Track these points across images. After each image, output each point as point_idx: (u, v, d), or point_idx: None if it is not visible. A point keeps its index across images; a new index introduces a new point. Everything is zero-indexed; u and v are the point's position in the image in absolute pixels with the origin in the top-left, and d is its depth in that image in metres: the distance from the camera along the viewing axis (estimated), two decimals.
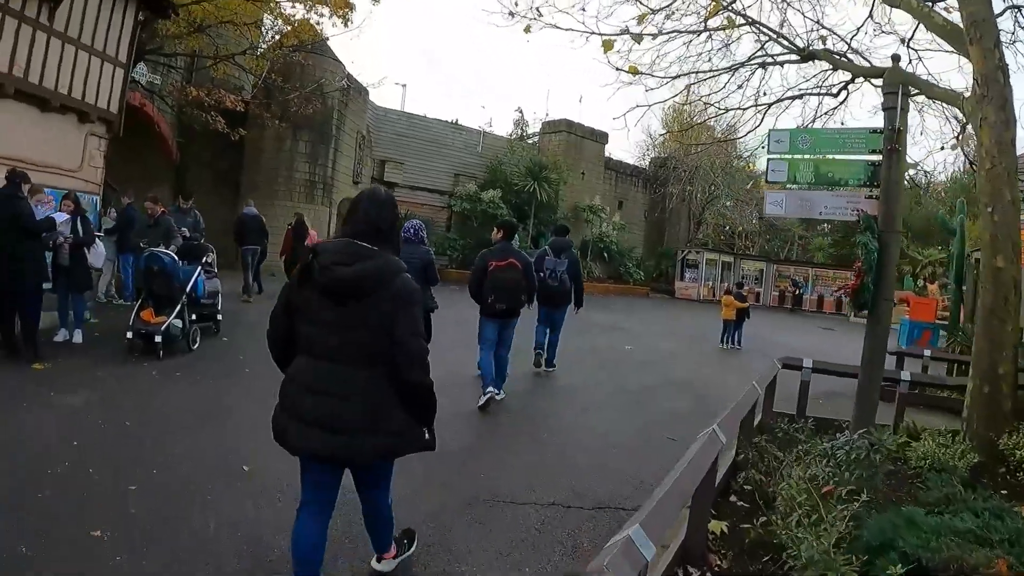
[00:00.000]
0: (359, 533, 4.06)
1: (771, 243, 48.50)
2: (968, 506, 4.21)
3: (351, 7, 18.17)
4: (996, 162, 6.18)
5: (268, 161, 23.18)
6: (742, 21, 9.97)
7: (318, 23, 18.84)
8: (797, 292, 37.17)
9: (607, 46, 9.67)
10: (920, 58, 10.57)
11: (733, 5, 9.96)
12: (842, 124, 10.73)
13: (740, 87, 11.05)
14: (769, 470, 5.47)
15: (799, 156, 7.15)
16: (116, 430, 6.07)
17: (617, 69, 10.28)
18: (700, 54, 10.97)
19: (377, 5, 18.56)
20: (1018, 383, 6.35)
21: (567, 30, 10.19)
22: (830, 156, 7.17)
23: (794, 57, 9.93)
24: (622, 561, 2.11)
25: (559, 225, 11.81)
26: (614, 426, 7.98)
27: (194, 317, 9.94)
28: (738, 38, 10.98)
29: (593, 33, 10.07)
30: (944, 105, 10.05)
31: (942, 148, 12.22)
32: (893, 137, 6.32)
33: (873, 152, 6.65)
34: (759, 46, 10.43)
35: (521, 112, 36.59)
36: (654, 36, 10.28)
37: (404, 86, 42.08)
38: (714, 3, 9.83)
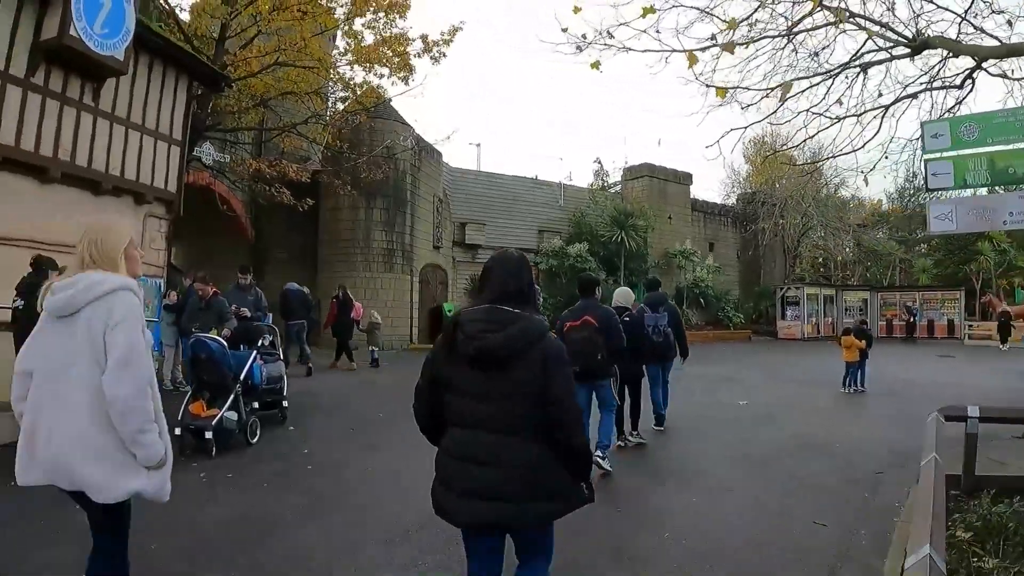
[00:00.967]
0: None
1: (870, 270, 46.13)
2: None
3: (411, 69, 17.36)
4: None
5: (344, 232, 22.45)
6: (836, 18, 8.61)
7: (379, 86, 18.12)
8: (912, 320, 34.64)
9: (691, 59, 8.38)
10: None
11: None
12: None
13: (839, 100, 9.61)
14: None
15: (966, 151, 5.54)
16: (135, 557, 4.90)
17: (707, 85, 9.00)
18: (790, 66, 9.60)
19: (437, 65, 17.57)
20: None
21: (643, 51, 9.00)
22: (1010, 147, 5.55)
23: (902, 50, 8.54)
24: None
25: (650, 280, 11.21)
26: (744, 510, 6.32)
27: (256, 406, 8.90)
28: (830, 42, 9.57)
29: (674, 51, 8.85)
30: None
31: None
32: None
33: None
34: (859, 47, 9.07)
35: (600, 162, 35.66)
36: (746, 44, 8.99)
37: (478, 145, 42.01)
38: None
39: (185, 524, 5.69)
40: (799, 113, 9.61)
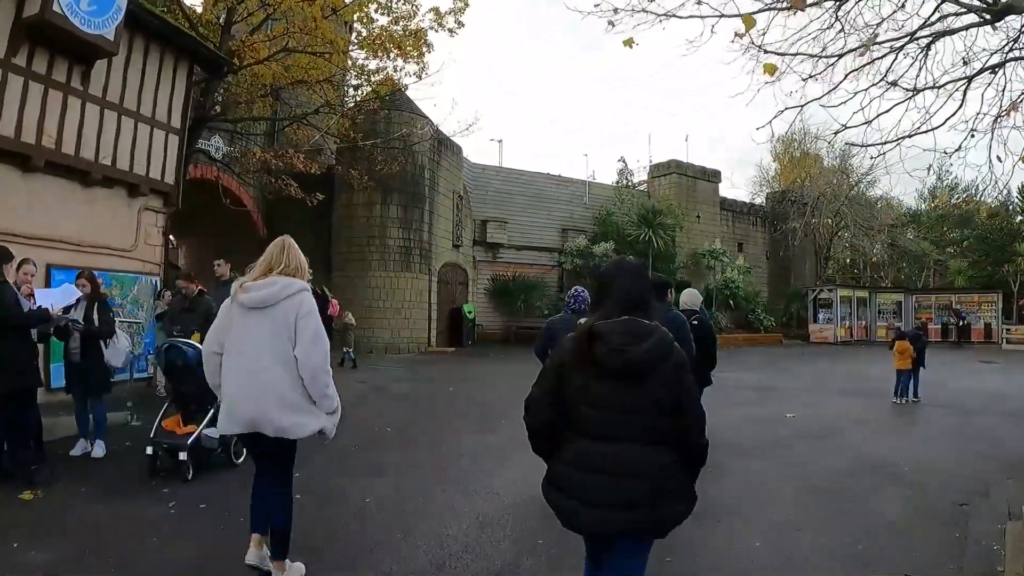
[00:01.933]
0: None
1: (904, 272, 44.81)
2: None
3: (428, 45, 16.36)
4: None
5: (359, 229, 21.54)
6: None
7: (393, 73, 17.13)
8: (960, 323, 33.00)
9: (748, 22, 7.33)
10: None
11: None
12: None
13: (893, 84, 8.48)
14: None
15: None
16: None
17: (765, 51, 7.92)
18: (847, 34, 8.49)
19: (455, 37, 16.63)
20: None
21: (687, 17, 7.98)
22: None
23: (974, 19, 7.46)
24: None
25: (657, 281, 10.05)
26: (822, 556, 5.26)
27: None
28: (896, 8, 8.46)
29: (723, 16, 7.82)
30: None
31: None
32: None
33: None
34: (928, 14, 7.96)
35: (624, 161, 34.51)
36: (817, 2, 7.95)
37: (500, 142, 40.91)
38: None
39: (143, 562, 4.85)
40: (855, 93, 8.50)
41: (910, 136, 7.75)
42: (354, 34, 17.23)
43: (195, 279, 8.76)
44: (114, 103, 11.20)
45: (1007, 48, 7.72)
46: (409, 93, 20.21)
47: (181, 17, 14.11)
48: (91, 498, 6.21)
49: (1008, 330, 32.98)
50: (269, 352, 4.23)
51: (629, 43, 7.78)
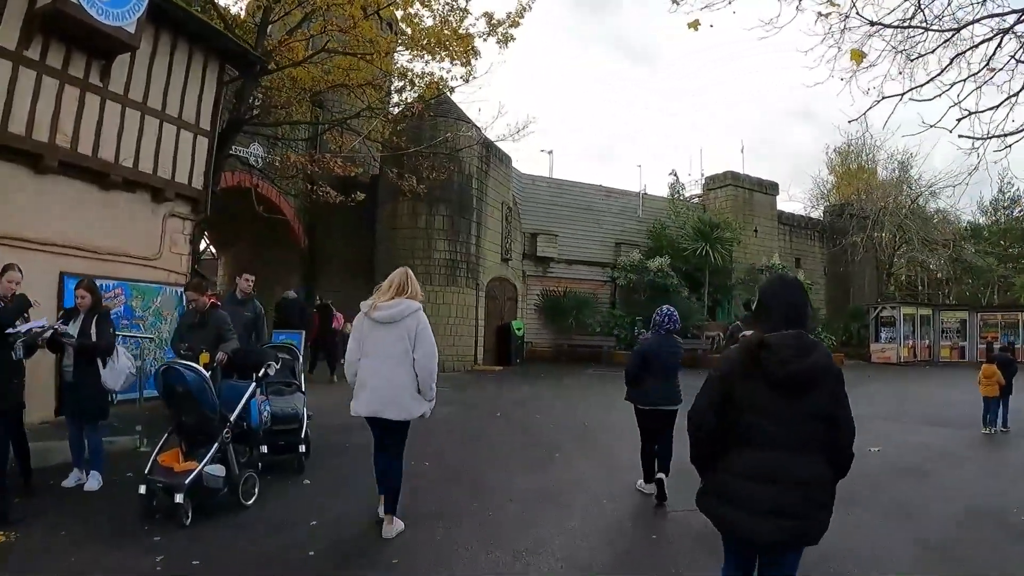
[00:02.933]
0: None
1: (966, 288, 42.77)
2: None
3: (475, 52, 15.43)
4: None
5: (402, 241, 20.48)
6: None
7: (440, 77, 16.23)
8: None
9: None
10: None
11: None
12: None
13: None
14: None
15: None
16: None
17: (858, 15, 6.83)
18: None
19: (505, 50, 15.73)
20: None
21: None
22: None
23: None
24: None
25: (747, 301, 9.77)
26: None
27: (263, 450, 7.02)
28: None
29: None
30: None
31: None
32: None
33: None
34: None
35: (675, 174, 33.33)
36: None
37: (551, 153, 39.78)
38: None
39: None
40: (953, 85, 7.30)
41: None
42: (399, 36, 16.27)
43: (208, 290, 7.78)
44: (137, 101, 10.46)
45: None
46: (455, 98, 19.32)
47: (216, 18, 13.37)
48: (72, 542, 5.27)
49: None
50: (396, 357, 5.62)
51: (694, 25, 6.92)
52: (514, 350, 23.59)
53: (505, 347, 23.42)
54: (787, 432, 3.15)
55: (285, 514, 6.16)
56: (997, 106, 6.75)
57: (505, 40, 15.32)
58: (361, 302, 5.93)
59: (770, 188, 33.26)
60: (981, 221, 46.96)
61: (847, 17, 6.69)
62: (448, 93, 17.75)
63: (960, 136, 6.78)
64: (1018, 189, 47.16)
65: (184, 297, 10.67)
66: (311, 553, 5.25)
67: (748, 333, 3.72)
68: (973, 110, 6.95)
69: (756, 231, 31.79)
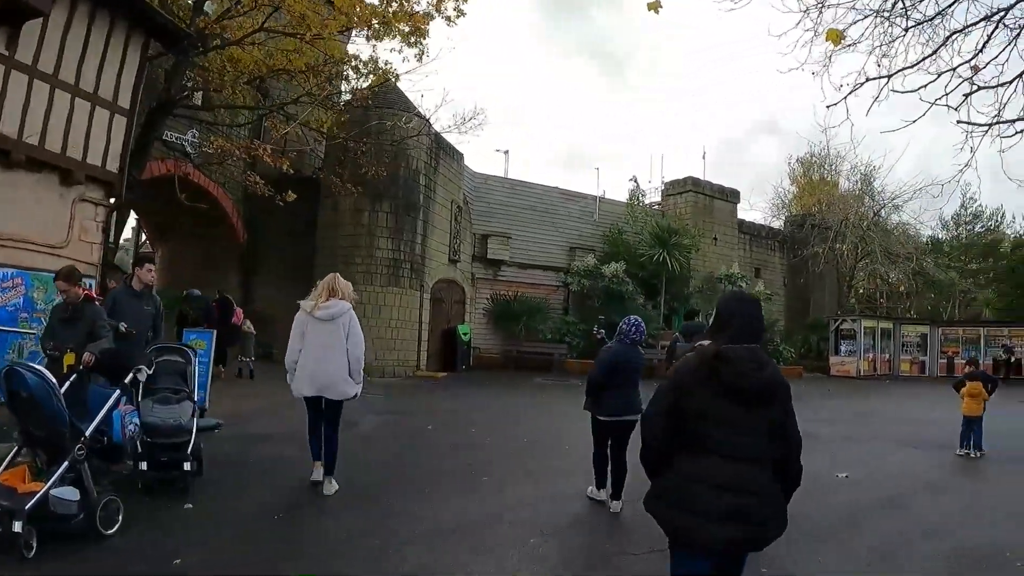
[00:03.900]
0: None
1: (928, 302, 43.02)
2: None
3: (423, 33, 14.59)
4: None
5: (344, 238, 19.52)
6: None
7: (388, 63, 15.39)
8: (1011, 359, 30.68)
9: None
10: None
11: None
12: None
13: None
14: None
15: None
16: None
17: None
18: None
19: (453, 26, 14.85)
20: None
21: None
22: None
23: None
24: None
25: (689, 310, 10.85)
26: None
27: (143, 467, 6.13)
28: None
29: None
30: None
31: None
32: None
33: None
34: None
35: (636, 180, 32.89)
36: None
37: (507, 152, 38.59)
38: None
39: None
40: (940, 74, 6.68)
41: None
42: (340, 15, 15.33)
43: (79, 281, 6.80)
44: (47, 73, 9.56)
45: None
46: (404, 87, 18.43)
47: None
48: None
49: None
50: (335, 347, 6.85)
51: (655, 7, 6.44)
52: (460, 356, 22.75)
53: (450, 352, 22.56)
54: (742, 442, 3.23)
55: (146, 551, 5.17)
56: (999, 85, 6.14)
57: (456, 15, 14.57)
58: (301, 301, 7.13)
59: (731, 196, 32.95)
60: (942, 236, 47.51)
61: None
62: (394, 80, 16.87)
63: (959, 122, 6.14)
64: (980, 204, 48.21)
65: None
66: None
67: (705, 343, 3.69)
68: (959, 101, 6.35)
69: (716, 239, 31.41)
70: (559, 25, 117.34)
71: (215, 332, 11.69)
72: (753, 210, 48.64)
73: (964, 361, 20.94)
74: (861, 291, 42.65)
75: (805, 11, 6.31)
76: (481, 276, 25.75)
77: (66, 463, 4.97)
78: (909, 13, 6.21)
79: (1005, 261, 44.17)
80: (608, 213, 29.98)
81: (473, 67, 55.10)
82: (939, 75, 6.34)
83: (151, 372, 6.37)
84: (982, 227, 48.47)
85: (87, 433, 5.23)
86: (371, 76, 15.66)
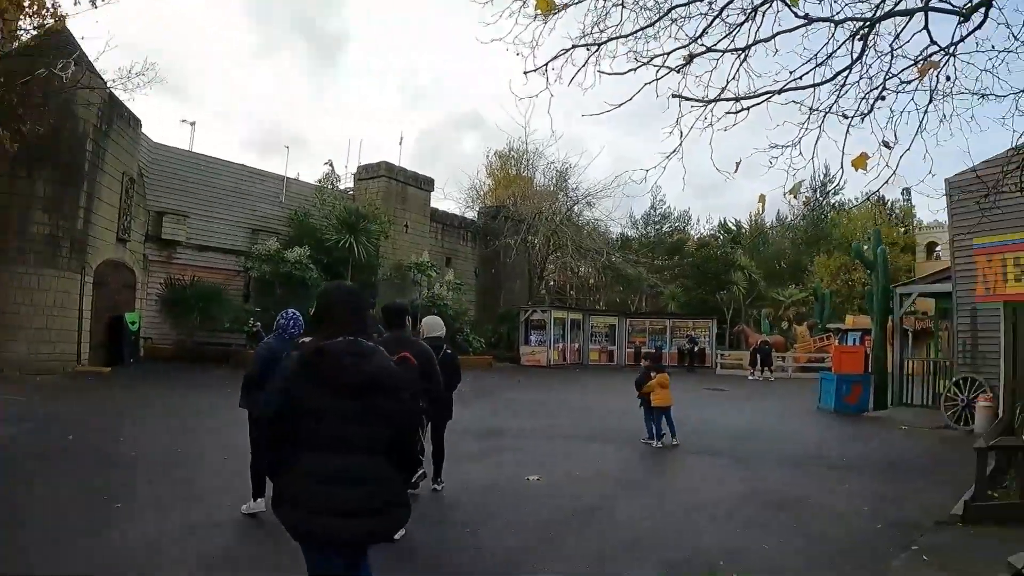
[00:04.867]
0: None
1: (616, 295, 46.25)
2: None
3: None
4: None
5: None
6: None
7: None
8: (695, 348, 33.70)
9: None
10: None
11: None
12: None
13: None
14: None
15: None
16: None
17: None
18: None
19: None
20: None
21: None
22: None
23: None
24: None
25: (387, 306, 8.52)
26: None
27: None
28: None
29: None
30: None
31: None
32: None
33: None
34: None
35: (331, 164, 31.51)
36: None
37: (193, 124, 34.72)
38: None
39: None
40: (653, 57, 6.07)
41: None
42: None
43: None
44: None
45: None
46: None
47: None
48: None
49: (722, 355, 34.70)
50: None
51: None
52: (127, 348, 20.04)
53: (118, 343, 19.75)
54: (350, 434, 3.23)
55: None
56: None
57: None
58: None
59: (425, 183, 32.88)
60: (631, 234, 51.80)
61: None
62: (60, 23, 14.03)
63: (673, 95, 5.45)
64: (669, 206, 53.22)
65: None
66: None
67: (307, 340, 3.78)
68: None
69: (407, 227, 31.09)
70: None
71: None
72: (448, 199, 48.98)
73: (642, 355, 22.18)
74: (552, 283, 44.67)
75: None
76: (155, 258, 23.25)
77: None
78: None
79: (691, 259, 49.76)
80: (297, 196, 28.55)
81: (176, 42, 50.09)
82: (652, 58, 5.65)
83: None
84: (670, 227, 53.68)
85: None
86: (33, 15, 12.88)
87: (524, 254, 36.53)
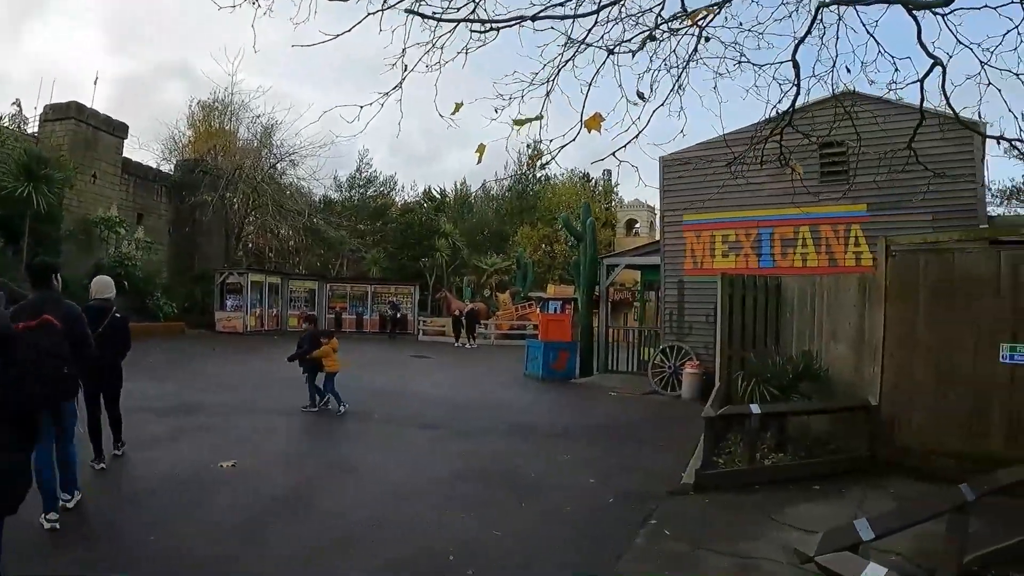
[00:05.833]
0: None
1: (316, 259, 45.11)
2: None
3: None
4: None
5: None
6: None
7: None
8: (398, 315, 33.70)
9: None
10: None
11: None
12: None
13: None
14: None
15: None
16: None
17: None
18: None
19: None
20: None
21: None
22: None
23: None
24: None
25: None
26: None
27: None
28: None
29: None
30: None
31: None
32: None
33: None
34: None
35: (20, 105, 27.90)
36: None
37: None
38: None
39: None
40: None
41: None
42: None
43: None
44: None
45: None
46: None
47: None
48: None
49: (424, 322, 34.56)
50: None
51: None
52: None
53: None
54: None
55: None
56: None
57: None
58: None
59: (119, 129, 29.88)
60: (335, 196, 50.46)
61: None
62: None
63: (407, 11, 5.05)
64: (375, 170, 52.50)
65: None
66: None
67: None
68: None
69: (95, 177, 28.15)
70: None
71: None
72: (143, 149, 44.80)
73: (302, 319, 21.71)
74: (250, 245, 42.63)
75: None
76: None
77: None
78: None
79: (394, 224, 49.05)
80: None
81: None
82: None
83: None
84: (375, 191, 52.75)
85: None
86: None
87: (222, 212, 34.71)
